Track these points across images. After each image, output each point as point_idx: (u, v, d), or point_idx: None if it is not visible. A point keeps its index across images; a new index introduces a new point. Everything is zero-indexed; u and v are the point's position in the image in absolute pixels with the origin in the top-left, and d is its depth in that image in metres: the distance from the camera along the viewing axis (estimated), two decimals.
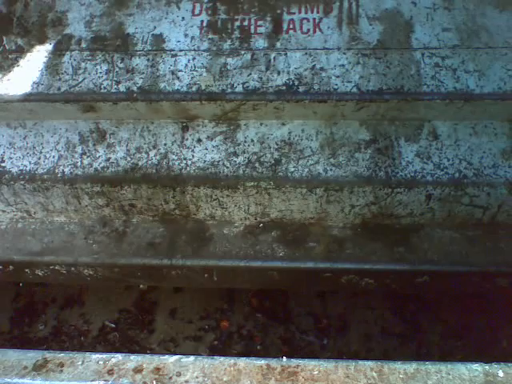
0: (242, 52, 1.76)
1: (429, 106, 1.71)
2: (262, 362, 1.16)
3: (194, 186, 1.83)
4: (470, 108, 1.71)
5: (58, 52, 1.80)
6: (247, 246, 1.89)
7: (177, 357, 1.19)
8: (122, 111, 1.81)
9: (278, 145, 1.83)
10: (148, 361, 1.18)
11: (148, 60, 1.77)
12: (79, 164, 1.86)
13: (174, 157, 1.84)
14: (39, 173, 1.86)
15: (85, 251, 1.91)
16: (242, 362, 1.16)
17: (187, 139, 1.86)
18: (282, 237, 1.92)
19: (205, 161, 1.83)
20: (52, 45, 1.82)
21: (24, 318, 2.47)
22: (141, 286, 2.46)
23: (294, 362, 1.15)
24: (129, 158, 1.85)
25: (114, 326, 2.41)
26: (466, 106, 1.70)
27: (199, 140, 1.85)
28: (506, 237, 1.86)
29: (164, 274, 1.92)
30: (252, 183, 1.81)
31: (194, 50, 1.77)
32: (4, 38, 1.84)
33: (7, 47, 1.83)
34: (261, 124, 1.85)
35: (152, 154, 1.85)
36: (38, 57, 1.81)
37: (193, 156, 1.84)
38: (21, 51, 1.82)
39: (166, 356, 1.20)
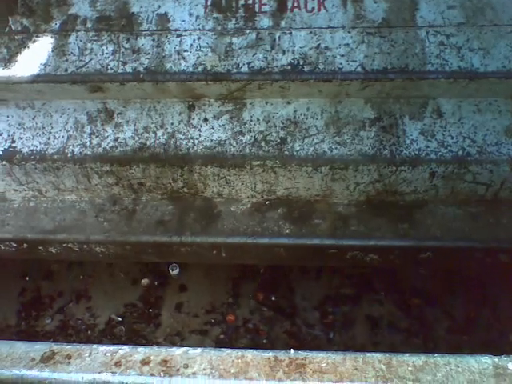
0: (247, 31, 1.78)
1: (433, 85, 1.74)
2: (270, 354, 1.16)
3: (201, 165, 1.88)
4: (475, 86, 1.74)
5: (63, 32, 1.84)
6: (254, 223, 1.96)
7: (184, 349, 1.20)
8: (128, 91, 1.86)
9: (283, 123, 1.87)
10: (155, 353, 1.19)
11: (153, 40, 1.80)
12: (88, 144, 1.91)
13: (181, 136, 1.89)
14: (49, 153, 1.92)
15: (96, 229, 1.99)
16: (250, 354, 1.17)
17: (194, 118, 1.90)
18: (288, 214, 1.98)
19: (211, 140, 1.88)
20: (57, 25, 1.85)
21: (31, 311, 2.52)
22: (143, 281, 2.52)
23: (302, 354, 1.15)
24: (137, 138, 1.90)
25: (120, 319, 2.45)
26: (470, 84, 1.72)
27: (206, 119, 1.89)
28: (508, 213, 1.91)
29: (174, 250, 2.00)
30: (258, 162, 1.86)
31: (199, 29, 1.79)
32: (9, 19, 1.87)
33: (13, 28, 1.86)
34: (266, 103, 1.89)
35: (159, 133, 1.90)
36: (44, 37, 1.84)
37: (200, 135, 1.88)
38: (27, 32, 1.85)
39: (174, 348, 1.21)
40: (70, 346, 1.25)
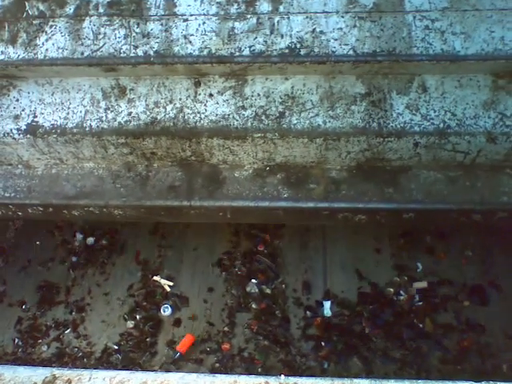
0: (248, 16, 1.97)
1: (418, 65, 1.96)
2: (261, 379, 1.26)
3: (207, 137, 2.13)
4: (456, 66, 1.96)
5: (78, 17, 2.02)
6: (256, 188, 2.23)
7: (180, 374, 1.31)
8: (139, 71, 2.07)
9: (282, 98, 2.10)
10: (152, 378, 1.28)
11: (162, 25, 1.99)
12: (104, 118, 2.15)
13: (188, 111, 2.12)
14: (69, 127, 2.16)
15: (114, 195, 2.26)
16: (242, 379, 1.27)
17: (200, 94, 2.13)
18: (286, 179, 2.25)
19: (216, 114, 2.11)
20: (72, 10, 2.03)
21: (27, 339, 2.63)
22: (128, 323, 2.60)
23: (292, 379, 1.26)
24: (148, 113, 2.13)
25: (116, 347, 2.56)
26: (451, 65, 1.94)
27: (211, 95, 2.12)
28: (483, 177, 2.19)
29: (184, 212, 2.29)
30: (259, 134, 2.10)
31: (204, 14, 1.98)
32: (26, 4, 2.05)
33: (30, 13, 2.04)
34: (266, 79, 2.10)
35: (169, 108, 2.13)
36: (59, 22, 2.03)
37: (205, 110, 2.12)
38: (43, 17, 2.04)
39: (170, 373, 1.31)
40: (70, 371, 1.35)
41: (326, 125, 2.08)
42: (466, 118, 2.04)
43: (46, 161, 2.32)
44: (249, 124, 2.10)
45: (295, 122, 2.08)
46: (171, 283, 2.71)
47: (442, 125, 2.04)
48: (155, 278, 2.74)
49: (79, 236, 2.90)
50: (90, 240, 2.91)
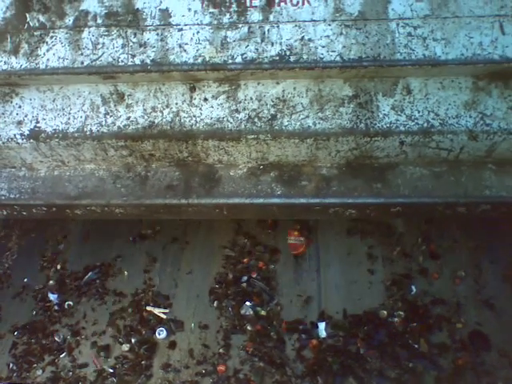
0: (240, 25, 2.12)
1: (402, 70, 2.12)
2: None
3: (203, 139, 2.29)
4: (437, 70, 2.12)
5: (77, 28, 2.16)
6: (251, 186, 2.41)
7: None
8: (137, 78, 2.22)
9: (273, 102, 2.26)
10: None
11: (158, 34, 2.14)
12: (104, 123, 2.31)
13: (184, 115, 2.29)
14: (70, 131, 2.32)
15: (115, 194, 2.44)
16: None
17: (195, 98, 2.29)
18: (279, 176, 2.43)
19: (211, 117, 2.28)
20: (71, 21, 2.17)
21: (22, 363, 2.67)
22: (123, 346, 2.71)
23: None
24: (146, 117, 2.29)
25: (111, 371, 2.63)
26: (433, 69, 2.11)
27: (205, 99, 2.28)
28: (466, 172, 2.37)
29: (182, 210, 2.47)
30: (252, 136, 2.27)
31: (198, 24, 2.13)
32: (27, 15, 2.19)
33: (31, 24, 2.18)
34: (258, 83, 2.26)
35: (166, 112, 2.29)
36: (60, 33, 2.17)
37: (201, 113, 2.28)
38: (44, 28, 2.18)
39: None
40: None
41: (316, 126, 2.24)
42: (449, 117, 2.21)
43: (49, 163, 2.49)
44: (242, 126, 2.26)
45: (286, 123, 2.25)
46: (167, 310, 2.80)
47: (425, 124, 2.21)
48: (149, 308, 2.82)
49: (53, 296, 2.94)
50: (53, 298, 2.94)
